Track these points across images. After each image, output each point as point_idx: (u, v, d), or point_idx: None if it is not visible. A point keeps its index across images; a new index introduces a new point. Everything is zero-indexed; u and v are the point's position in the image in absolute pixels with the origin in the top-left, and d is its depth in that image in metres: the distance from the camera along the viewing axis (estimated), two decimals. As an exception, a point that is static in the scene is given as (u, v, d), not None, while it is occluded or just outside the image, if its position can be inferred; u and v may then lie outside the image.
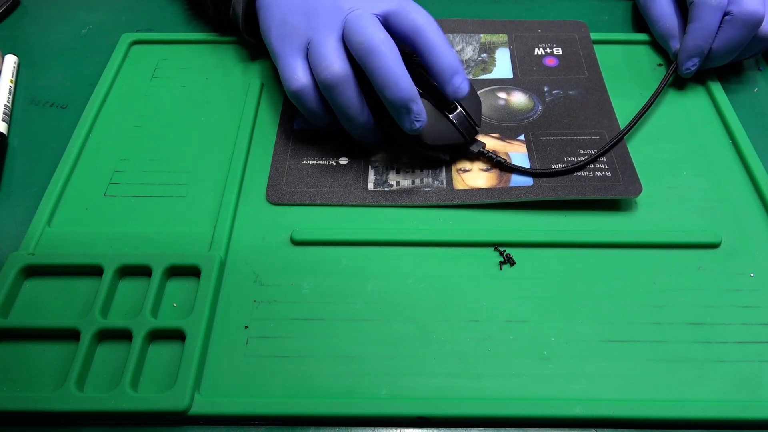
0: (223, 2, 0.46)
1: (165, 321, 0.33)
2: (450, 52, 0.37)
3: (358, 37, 0.35)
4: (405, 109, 0.36)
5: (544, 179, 0.39)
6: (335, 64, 0.36)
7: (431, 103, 0.38)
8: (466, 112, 0.39)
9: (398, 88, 0.35)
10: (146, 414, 0.30)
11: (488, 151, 0.40)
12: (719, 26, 0.43)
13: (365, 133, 0.40)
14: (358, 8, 0.37)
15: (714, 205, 0.39)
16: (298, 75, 0.38)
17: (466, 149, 0.40)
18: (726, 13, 0.42)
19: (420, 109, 0.36)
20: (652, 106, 0.45)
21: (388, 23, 0.37)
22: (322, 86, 0.37)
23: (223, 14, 0.47)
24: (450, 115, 0.38)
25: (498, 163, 0.40)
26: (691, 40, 0.43)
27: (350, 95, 0.37)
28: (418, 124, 0.36)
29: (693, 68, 0.44)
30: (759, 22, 0.42)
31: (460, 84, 0.37)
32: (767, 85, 0.47)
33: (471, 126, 0.39)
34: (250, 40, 0.46)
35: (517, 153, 0.41)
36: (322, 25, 0.37)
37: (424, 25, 0.37)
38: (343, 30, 0.37)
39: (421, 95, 0.38)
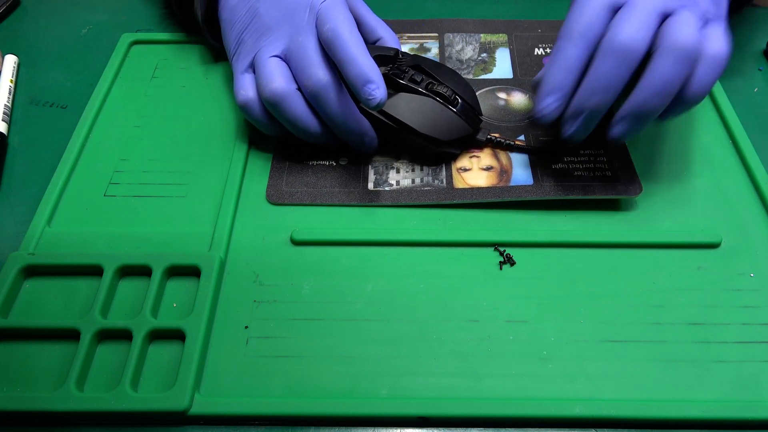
0: (188, 7, 0.46)
1: (165, 321, 0.33)
2: (359, 60, 0.34)
3: (304, 81, 0.36)
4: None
5: (545, 180, 0.39)
6: (273, 81, 0.36)
7: (437, 102, 0.38)
8: (468, 103, 0.39)
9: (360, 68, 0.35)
10: (146, 414, 0.30)
11: (496, 137, 0.41)
12: (591, 61, 0.35)
13: (327, 140, 0.40)
14: (299, 33, 0.37)
15: (714, 205, 0.39)
16: (245, 89, 0.38)
17: (474, 139, 0.40)
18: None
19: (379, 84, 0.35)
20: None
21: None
22: (265, 104, 0.38)
23: (189, 18, 0.47)
24: (454, 109, 0.39)
25: (508, 146, 0.41)
26: (549, 75, 0.36)
27: (295, 110, 0.37)
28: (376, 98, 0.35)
29: (551, 108, 0.36)
30: (628, 52, 0.33)
31: (371, 92, 0.34)
32: (767, 85, 0.47)
33: (475, 115, 0.40)
34: (215, 44, 0.46)
35: (518, 153, 0.41)
36: (265, 46, 0.38)
37: (333, 36, 0.35)
38: (290, 66, 0.37)
39: (426, 95, 0.38)
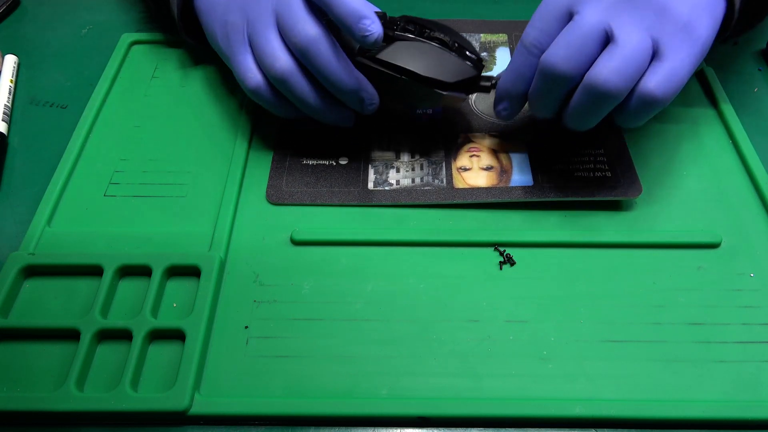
0: (164, 3, 0.45)
1: (165, 321, 0.33)
2: None
3: (293, 39, 0.35)
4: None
5: (545, 181, 0.39)
6: (279, 58, 0.35)
7: (436, 46, 0.37)
8: (467, 49, 0.38)
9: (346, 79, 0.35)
10: (146, 414, 0.30)
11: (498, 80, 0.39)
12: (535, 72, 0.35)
13: (335, 116, 0.39)
14: None
15: (714, 205, 0.39)
16: (252, 72, 0.37)
17: (478, 85, 0.39)
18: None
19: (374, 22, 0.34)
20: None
21: None
22: (273, 82, 0.36)
23: (164, 14, 0.46)
24: (455, 54, 0.37)
25: None
26: (501, 81, 0.37)
27: (303, 85, 0.36)
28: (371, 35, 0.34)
29: (504, 113, 0.38)
30: (558, 77, 0.33)
31: (367, 27, 0.33)
32: (767, 85, 0.47)
33: (477, 59, 0.38)
34: (189, 40, 0.45)
35: (517, 153, 0.41)
36: (256, 19, 0.36)
37: None
38: (278, 28, 0.36)
39: (423, 41, 0.37)
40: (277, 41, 0.36)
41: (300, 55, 0.35)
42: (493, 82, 0.39)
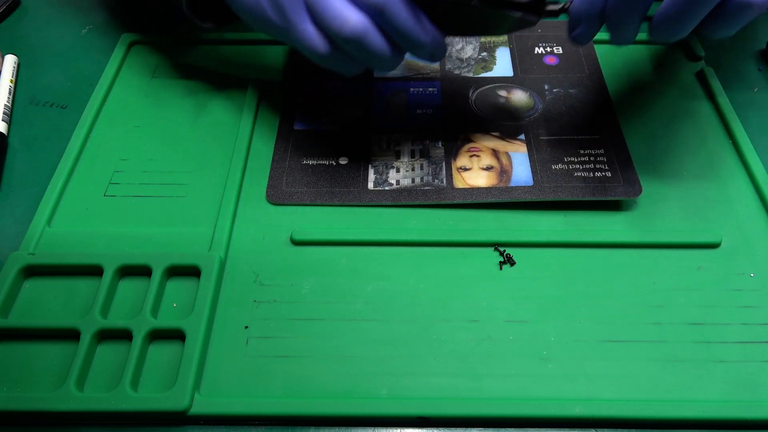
0: None
1: (165, 321, 0.33)
2: None
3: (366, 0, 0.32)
4: None
5: (545, 181, 0.39)
6: (350, 18, 0.32)
7: None
8: None
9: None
10: (146, 414, 0.30)
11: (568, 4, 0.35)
12: None
13: (396, 64, 0.36)
14: None
15: (714, 205, 0.39)
16: (319, 39, 0.34)
17: (544, 8, 0.35)
18: None
19: None
20: (652, 106, 0.45)
21: None
22: (345, 45, 0.34)
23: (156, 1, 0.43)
24: None
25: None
26: (576, 2, 0.34)
27: (378, 42, 0.34)
28: None
29: (580, 38, 0.35)
30: None
31: None
32: (767, 85, 0.47)
33: None
34: (200, 23, 0.41)
35: (517, 153, 0.41)
36: None
37: None
38: None
39: None
40: (339, 1, 0.33)
41: (375, 15, 0.33)
42: (564, 4, 0.35)
